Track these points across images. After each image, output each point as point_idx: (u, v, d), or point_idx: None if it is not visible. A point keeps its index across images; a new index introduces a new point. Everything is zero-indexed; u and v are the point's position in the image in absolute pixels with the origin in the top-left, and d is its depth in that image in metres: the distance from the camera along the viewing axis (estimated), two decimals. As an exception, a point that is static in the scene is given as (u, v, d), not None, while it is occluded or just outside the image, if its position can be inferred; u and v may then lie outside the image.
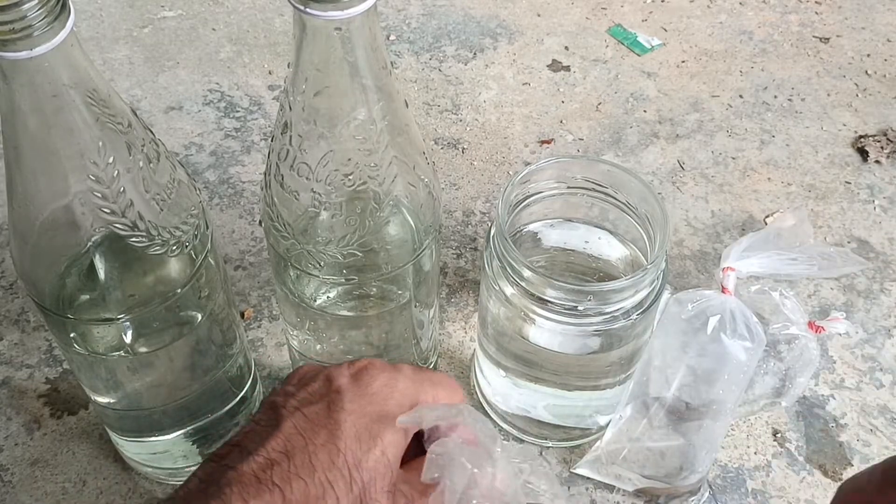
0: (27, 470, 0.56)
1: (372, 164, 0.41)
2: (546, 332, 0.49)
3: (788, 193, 0.74)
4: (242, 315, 0.64)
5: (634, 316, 0.48)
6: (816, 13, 0.91)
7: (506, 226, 0.49)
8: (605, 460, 0.55)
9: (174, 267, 0.44)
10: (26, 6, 0.32)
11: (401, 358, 0.53)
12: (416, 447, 0.36)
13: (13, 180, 0.39)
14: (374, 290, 0.50)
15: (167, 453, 0.54)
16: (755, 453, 0.58)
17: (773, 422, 0.59)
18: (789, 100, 0.82)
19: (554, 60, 0.86)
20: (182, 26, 0.89)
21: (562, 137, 0.78)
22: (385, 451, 0.33)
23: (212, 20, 0.90)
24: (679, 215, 0.72)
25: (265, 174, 0.44)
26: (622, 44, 0.87)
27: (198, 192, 0.45)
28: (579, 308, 0.47)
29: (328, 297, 0.50)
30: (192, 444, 0.54)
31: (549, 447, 0.58)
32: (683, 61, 0.86)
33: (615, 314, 0.47)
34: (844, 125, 0.80)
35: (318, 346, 0.52)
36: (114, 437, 0.55)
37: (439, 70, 0.84)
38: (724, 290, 0.55)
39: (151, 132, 0.42)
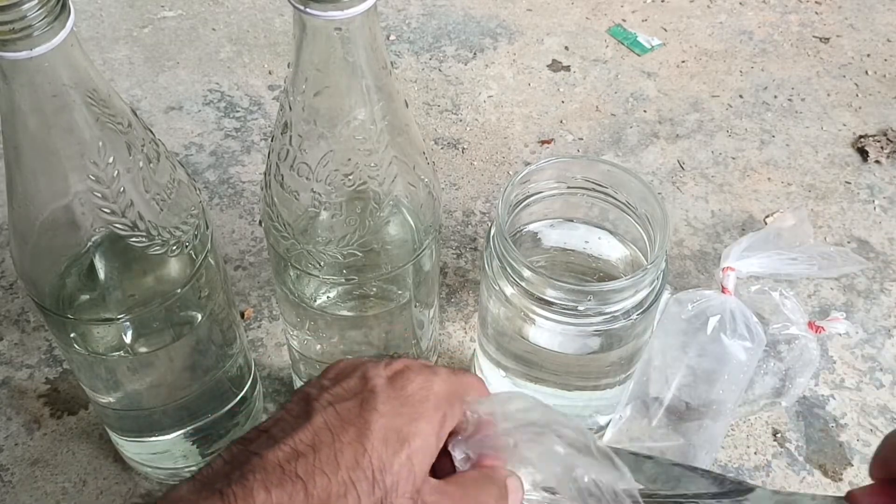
0: (27, 470, 0.56)
1: (372, 164, 0.41)
2: (546, 332, 0.49)
3: (788, 193, 0.74)
4: (242, 315, 0.64)
5: (634, 316, 0.48)
6: (816, 13, 0.91)
7: (506, 226, 0.49)
8: (605, 460, 0.55)
9: (174, 267, 0.44)
10: (26, 6, 0.32)
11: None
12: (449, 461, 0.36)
13: (13, 180, 0.39)
14: (374, 290, 0.50)
15: (167, 453, 0.54)
16: (755, 453, 0.58)
17: (773, 422, 0.59)
18: (789, 100, 0.82)
19: (554, 60, 0.86)
20: (182, 26, 0.89)
21: (562, 137, 0.78)
22: (412, 456, 0.33)
23: (212, 20, 0.90)
24: (679, 215, 0.72)
25: (265, 174, 0.44)
26: (622, 44, 0.87)
27: (198, 192, 0.45)
28: (579, 308, 0.47)
29: (328, 297, 0.50)
30: (192, 445, 0.54)
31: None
32: (683, 61, 0.86)
33: (615, 314, 0.47)
34: (844, 125, 0.80)
35: (318, 346, 0.52)
36: (114, 437, 0.55)
37: (439, 70, 0.84)
38: (724, 290, 0.55)
39: (151, 132, 0.42)
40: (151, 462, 0.55)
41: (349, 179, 0.41)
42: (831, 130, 0.79)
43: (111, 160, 0.38)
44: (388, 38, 0.87)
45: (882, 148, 0.77)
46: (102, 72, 0.54)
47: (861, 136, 0.78)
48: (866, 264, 0.67)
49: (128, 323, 0.45)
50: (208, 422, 0.53)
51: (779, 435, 0.59)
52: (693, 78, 0.84)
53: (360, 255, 0.44)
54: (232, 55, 0.86)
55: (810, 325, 0.58)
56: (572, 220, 0.54)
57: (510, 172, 0.75)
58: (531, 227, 0.54)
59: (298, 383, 0.59)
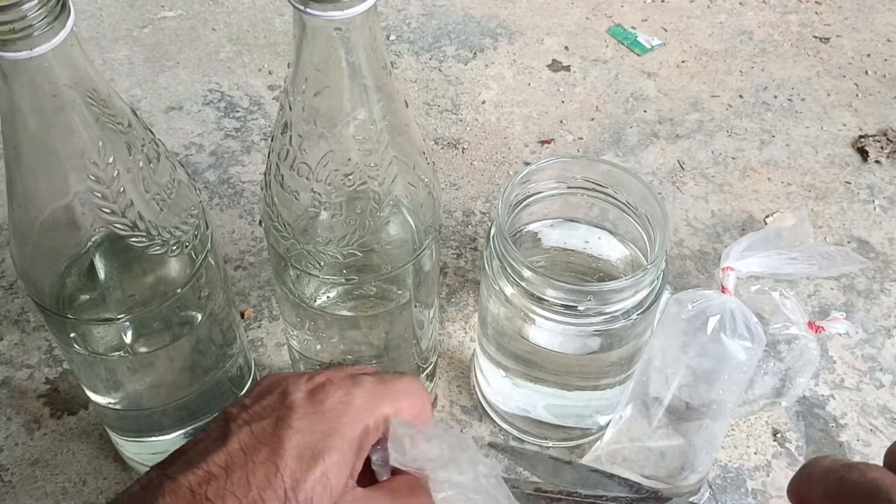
0: (27, 470, 0.56)
1: (372, 164, 0.41)
2: (546, 332, 0.49)
3: (788, 193, 0.74)
4: (242, 315, 0.64)
5: (634, 316, 0.48)
6: (816, 13, 0.91)
7: (506, 226, 0.49)
8: (605, 460, 0.55)
9: (174, 267, 0.44)
10: (26, 6, 0.32)
11: (401, 358, 0.53)
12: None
13: (13, 180, 0.39)
14: (374, 290, 0.50)
15: (167, 453, 0.54)
16: (755, 453, 0.58)
17: (773, 422, 0.59)
18: (789, 100, 0.82)
19: (554, 60, 0.86)
20: (182, 26, 0.89)
21: (562, 137, 0.78)
22: (327, 471, 0.32)
23: (212, 20, 0.90)
24: (679, 215, 0.72)
25: (265, 174, 0.44)
26: (622, 44, 0.87)
27: (198, 192, 0.45)
28: (579, 308, 0.47)
29: (328, 297, 0.50)
30: (192, 444, 0.54)
31: (549, 447, 0.58)
32: (683, 61, 0.86)
33: (615, 314, 0.47)
34: (844, 125, 0.80)
35: (318, 346, 0.52)
36: (114, 437, 0.55)
37: (439, 70, 0.84)
38: (724, 290, 0.55)
39: (151, 132, 0.42)
40: (151, 462, 0.54)
41: (349, 179, 0.41)
42: (831, 130, 0.79)
43: (111, 160, 0.38)
44: (388, 38, 0.87)
45: (882, 148, 0.77)
46: (102, 72, 0.54)
47: (861, 136, 0.78)
48: (866, 264, 0.67)
49: (128, 323, 0.45)
50: (208, 422, 0.53)
51: (779, 435, 0.59)
52: (693, 78, 0.84)
53: (360, 255, 0.44)
54: (232, 55, 0.86)
55: (810, 325, 0.58)
56: (572, 220, 0.54)
57: (510, 172, 0.75)
58: (531, 227, 0.54)
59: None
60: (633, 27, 0.89)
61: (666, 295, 0.56)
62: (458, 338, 0.64)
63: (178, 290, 0.45)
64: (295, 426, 0.33)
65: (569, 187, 0.52)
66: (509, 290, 0.49)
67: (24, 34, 0.33)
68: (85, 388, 0.50)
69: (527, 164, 0.75)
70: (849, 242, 0.70)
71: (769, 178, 0.75)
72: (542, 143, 0.78)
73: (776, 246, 0.57)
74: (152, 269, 0.44)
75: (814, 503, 0.31)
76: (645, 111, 0.81)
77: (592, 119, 0.80)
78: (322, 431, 0.33)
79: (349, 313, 0.51)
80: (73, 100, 0.36)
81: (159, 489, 0.31)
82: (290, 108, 0.40)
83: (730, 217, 0.72)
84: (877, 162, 0.76)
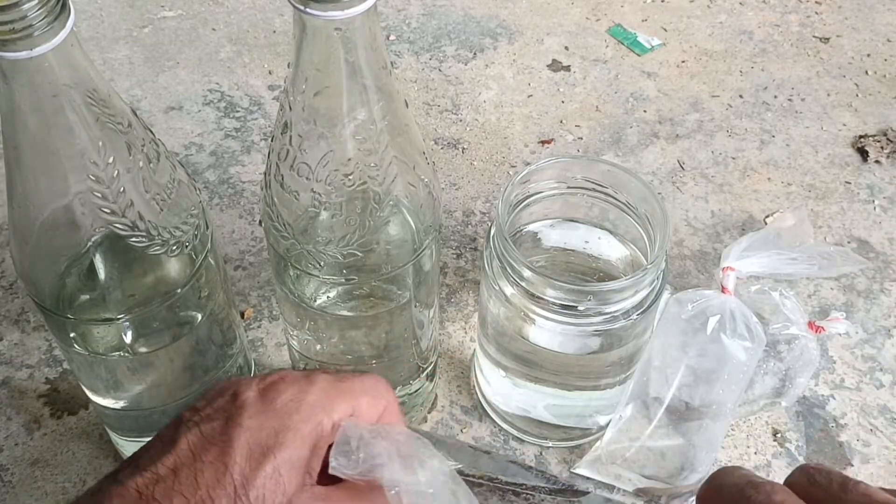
0: (27, 470, 0.56)
1: (372, 164, 0.41)
2: (546, 332, 0.49)
3: (788, 193, 0.74)
4: (242, 315, 0.64)
5: (634, 316, 0.48)
6: (816, 13, 0.91)
7: (506, 226, 0.49)
8: (605, 460, 0.55)
9: (174, 267, 0.44)
10: (26, 6, 0.32)
11: (400, 358, 0.53)
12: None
13: (13, 180, 0.39)
14: (374, 290, 0.50)
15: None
16: (755, 453, 0.58)
17: (773, 422, 0.59)
18: (789, 100, 0.82)
19: (554, 60, 0.86)
20: (182, 26, 0.89)
21: (562, 137, 0.78)
22: (279, 468, 0.32)
23: (212, 20, 0.90)
24: (679, 215, 0.72)
25: (265, 174, 0.44)
26: (622, 44, 0.87)
27: (198, 192, 0.45)
28: (579, 308, 0.47)
29: (328, 297, 0.50)
30: (192, 444, 0.54)
31: (549, 447, 0.58)
32: (683, 61, 0.86)
33: (615, 314, 0.47)
34: (844, 125, 0.80)
35: (318, 346, 0.52)
36: (114, 437, 0.55)
37: (439, 70, 0.84)
38: (724, 290, 0.55)
39: (151, 132, 0.42)
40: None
41: (349, 179, 0.41)
42: (831, 130, 0.79)
43: (111, 160, 0.38)
44: (388, 38, 0.87)
45: (882, 148, 0.77)
46: (102, 72, 0.54)
47: (861, 136, 0.78)
48: (866, 264, 0.67)
49: (128, 323, 0.45)
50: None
51: (779, 435, 0.59)
52: (693, 78, 0.84)
53: (360, 255, 0.44)
54: (232, 55, 0.86)
55: (810, 325, 0.58)
56: (572, 220, 0.54)
57: (510, 172, 0.75)
58: (531, 227, 0.54)
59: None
60: (626, 20, 0.89)
61: (666, 295, 0.56)
62: (458, 338, 0.64)
63: (178, 290, 0.45)
64: (245, 424, 0.33)
65: (569, 187, 0.52)
66: (509, 290, 0.49)
67: (24, 34, 0.33)
68: (85, 388, 0.50)
69: (527, 164, 0.75)
70: (849, 242, 0.70)
71: (769, 178, 0.75)
72: (542, 143, 0.78)
73: (776, 246, 0.57)
74: (152, 269, 0.44)
75: None
76: (645, 111, 0.81)
77: (592, 119, 0.80)
78: (273, 428, 0.33)
79: (349, 313, 0.51)
80: (73, 100, 0.36)
81: (107, 494, 0.31)
82: (290, 108, 0.40)
83: (730, 217, 0.72)
84: (877, 162, 0.76)
